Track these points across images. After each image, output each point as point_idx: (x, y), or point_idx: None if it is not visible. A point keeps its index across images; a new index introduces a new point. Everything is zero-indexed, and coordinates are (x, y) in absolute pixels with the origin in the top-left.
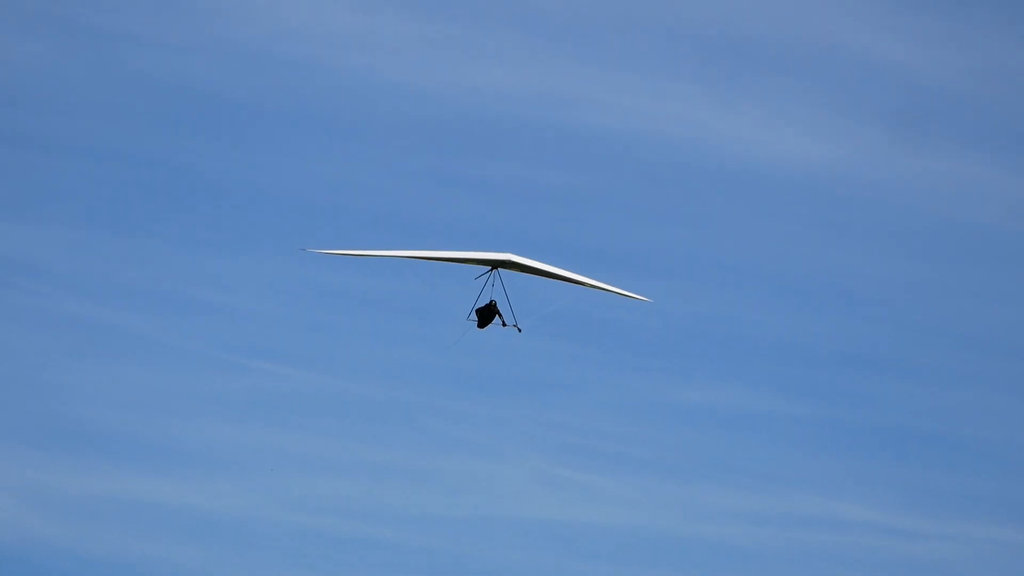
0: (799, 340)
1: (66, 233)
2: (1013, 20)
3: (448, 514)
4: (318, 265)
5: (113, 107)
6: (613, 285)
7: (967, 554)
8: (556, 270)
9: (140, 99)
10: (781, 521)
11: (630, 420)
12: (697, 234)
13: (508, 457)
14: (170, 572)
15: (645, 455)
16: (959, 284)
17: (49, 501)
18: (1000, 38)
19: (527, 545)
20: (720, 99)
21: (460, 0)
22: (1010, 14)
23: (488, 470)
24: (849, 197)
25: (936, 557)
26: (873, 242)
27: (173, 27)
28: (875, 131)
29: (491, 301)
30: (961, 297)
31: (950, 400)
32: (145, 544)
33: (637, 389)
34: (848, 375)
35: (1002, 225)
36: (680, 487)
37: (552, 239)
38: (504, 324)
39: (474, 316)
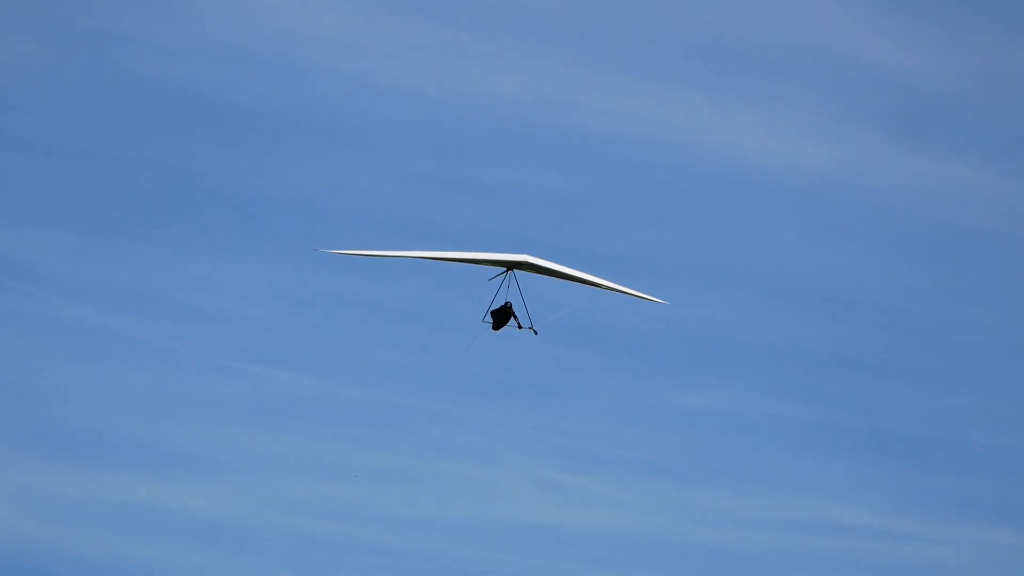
0: (795, 343)
1: (62, 236)
2: (1010, 24)
3: (445, 518)
4: (315, 269)
5: (109, 110)
6: (630, 288)
7: (963, 557)
8: (574, 272)
9: (136, 102)
10: (778, 525)
11: (626, 424)
12: (693, 238)
13: (505, 461)
14: (166, 575)
15: (641, 459)
16: (955, 287)
17: (45, 504)
18: (997, 42)
19: (525, 549)
20: (718, 103)
21: (457, 4)
22: (1006, 18)
23: (485, 474)
24: (846, 201)
25: (932, 560)
26: (870, 245)
27: (170, 30)
28: (872, 135)
29: (506, 303)
30: (957, 300)
31: (946, 403)
32: (141, 547)
33: (633, 393)
34: (844, 378)
35: (998, 228)
36: (676, 491)
37: (551, 241)
38: (520, 326)
39: (489, 318)
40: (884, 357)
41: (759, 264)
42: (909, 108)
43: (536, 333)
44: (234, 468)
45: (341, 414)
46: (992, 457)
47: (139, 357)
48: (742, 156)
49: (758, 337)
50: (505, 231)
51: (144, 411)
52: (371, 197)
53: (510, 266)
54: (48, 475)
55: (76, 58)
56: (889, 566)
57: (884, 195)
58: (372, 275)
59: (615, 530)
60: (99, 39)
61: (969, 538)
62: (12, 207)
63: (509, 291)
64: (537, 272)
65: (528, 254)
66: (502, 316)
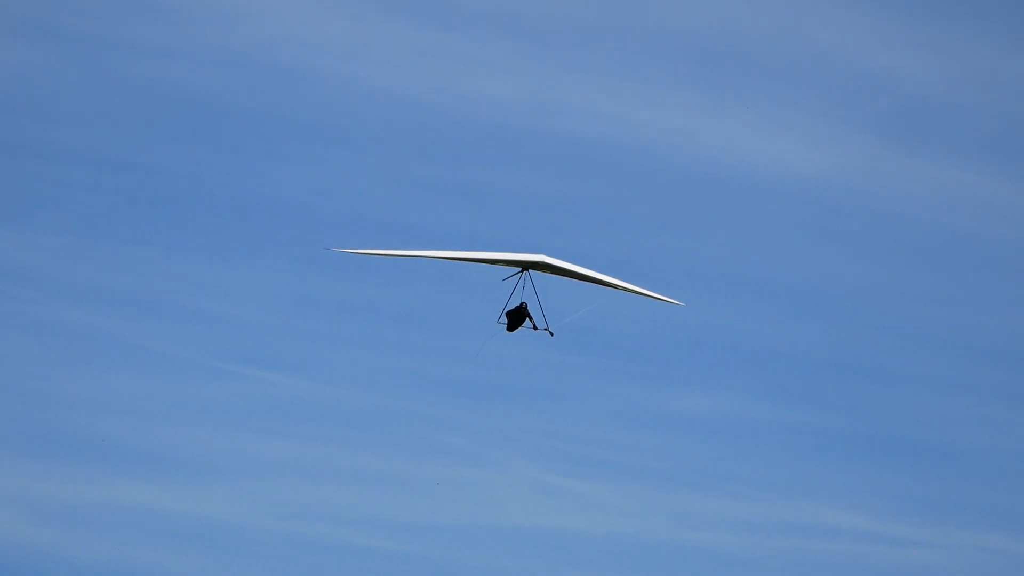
0: (791, 347)
1: (58, 240)
2: (1006, 28)
3: (441, 522)
4: (313, 272)
5: (106, 114)
6: (647, 289)
7: (958, 561)
8: (591, 272)
9: (132, 106)
10: (775, 528)
11: (622, 428)
12: (689, 242)
13: (501, 465)
14: None
15: (638, 462)
16: (952, 291)
17: (40, 508)
18: (994, 46)
19: (520, 553)
20: (713, 107)
21: (455, 9)
22: (1003, 22)
23: (481, 478)
24: (842, 205)
25: (929, 564)
26: (866, 249)
27: (166, 34)
28: (868, 139)
29: (522, 303)
30: (954, 305)
31: (943, 407)
32: (137, 551)
33: (629, 397)
34: (840, 383)
35: (997, 232)
36: (672, 494)
37: (551, 241)
38: (535, 328)
39: (504, 319)
40: (880, 361)
41: (756, 268)
42: (908, 112)
43: (552, 335)
44: (231, 472)
45: (337, 417)
46: (990, 462)
47: (135, 361)
48: (738, 160)
49: (755, 341)
50: (505, 234)
51: (141, 414)
52: (369, 201)
53: (526, 266)
54: (44, 478)
55: (73, 62)
56: (886, 570)
57: (883, 199)
58: (371, 277)
59: (612, 534)
60: (96, 43)
61: (966, 542)
62: (9, 211)
63: (524, 292)
64: (553, 272)
65: (545, 254)
66: (517, 317)
